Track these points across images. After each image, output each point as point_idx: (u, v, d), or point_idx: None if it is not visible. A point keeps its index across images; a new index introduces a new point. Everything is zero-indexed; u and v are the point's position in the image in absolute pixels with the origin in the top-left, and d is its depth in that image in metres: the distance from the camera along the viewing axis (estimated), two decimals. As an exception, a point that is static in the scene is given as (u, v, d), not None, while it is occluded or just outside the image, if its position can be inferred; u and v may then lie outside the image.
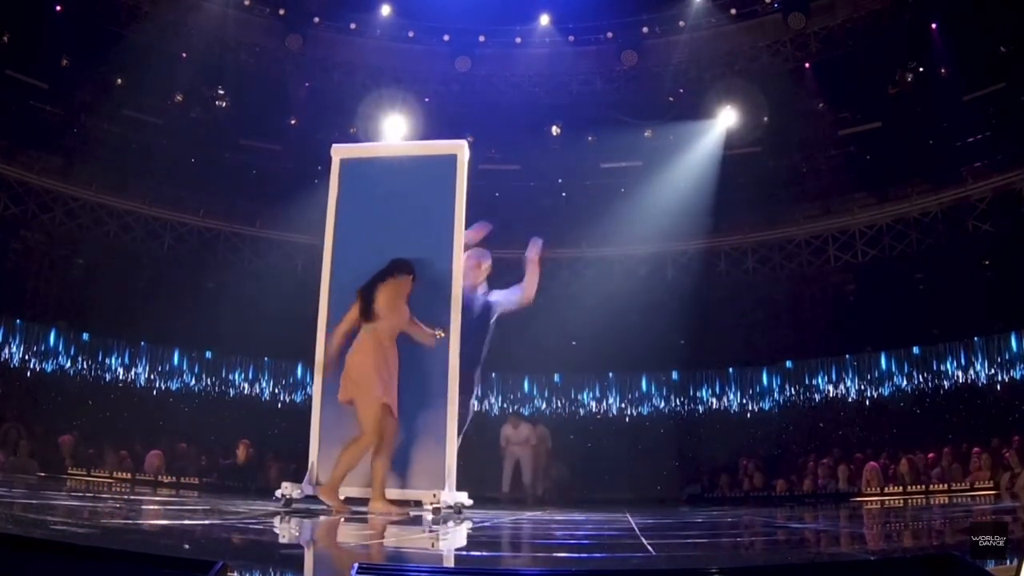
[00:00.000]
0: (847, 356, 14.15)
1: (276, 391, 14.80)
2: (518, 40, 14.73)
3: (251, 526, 4.30)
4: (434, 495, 5.14)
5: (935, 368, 13.31)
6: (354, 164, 5.94)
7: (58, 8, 13.30)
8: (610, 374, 15.18)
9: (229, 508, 5.77)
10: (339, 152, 6.02)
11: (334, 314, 5.55)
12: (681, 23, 14.28)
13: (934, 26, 13.25)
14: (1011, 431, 11.56)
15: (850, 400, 14.02)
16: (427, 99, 15.18)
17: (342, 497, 5.31)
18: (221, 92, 14.56)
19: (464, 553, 3.67)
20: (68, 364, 13.43)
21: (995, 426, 12.03)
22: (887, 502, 10.53)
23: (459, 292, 5.59)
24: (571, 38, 14.67)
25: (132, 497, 7.48)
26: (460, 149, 5.86)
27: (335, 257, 5.75)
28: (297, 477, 5.94)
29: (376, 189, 5.78)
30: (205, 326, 14.94)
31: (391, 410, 5.20)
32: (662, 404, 15.14)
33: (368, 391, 5.13)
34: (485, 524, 5.29)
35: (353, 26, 14.72)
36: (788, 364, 14.53)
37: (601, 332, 14.14)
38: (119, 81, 14.22)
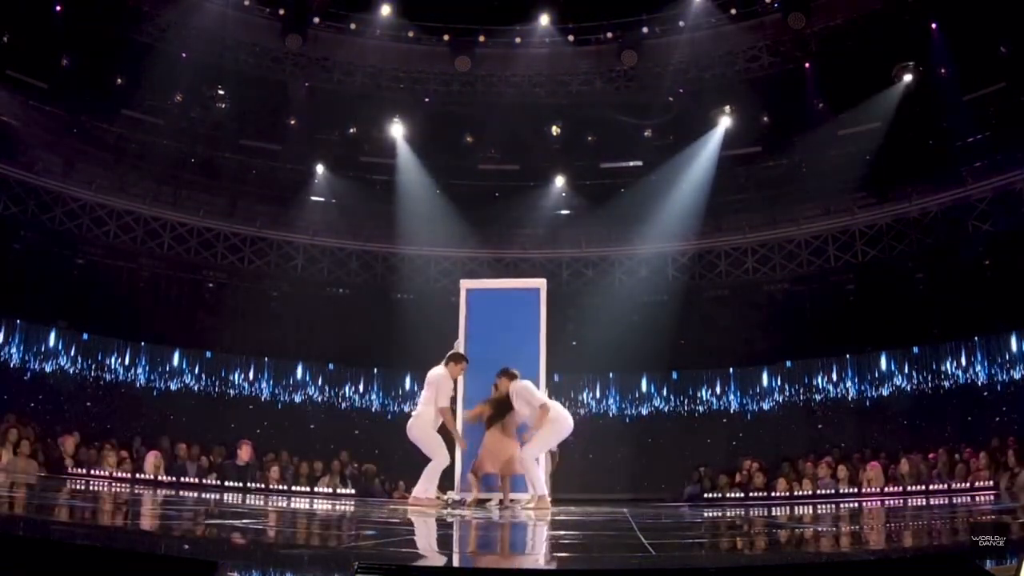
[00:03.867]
0: (847, 356, 14.15)
1: (276, 391, 14.80)
2: (518, 40, 14.70)
3: (251, 526, 4.29)
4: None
5: (935, 368, 13.30)
6: (474, 292, 8.88)
7: (58, 8, 13.28)
8: (610, 374, 15.17)
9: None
10: (465, 284, 9.10)
11: (469, 388, 8.64)
12: (681, 23, 14.25)
13: (934, 26, 13.24)
14: (1011, 431, 11.57)
15: (850, 400, 14.01)
16: (427, 99, 15.17)
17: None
18: (221, 92, 14.53)
19: (462, 552, 3.67)
20: (68, 364, 13.43)
21: (995, 426, 12.03)
22: (887, 502, 10.53)
23: (544, 365, 8.50)
24: (571, 38, 14.63)
25: (132, 497, 7.48)
26: (542, 284, 8.99)
27: (468, 350, 8.60)
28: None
29: (489, 309, 8.72)
30: (205, 326, 14.96)
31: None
32: (662, 404, 15.13)
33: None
34: (488, 521, 5.29)
35: (353, 26, 14.69)
36: (788, 364, 14.52)
37: (601, 332, 14.14)
38: (119, 81, 14.21)
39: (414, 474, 8.92)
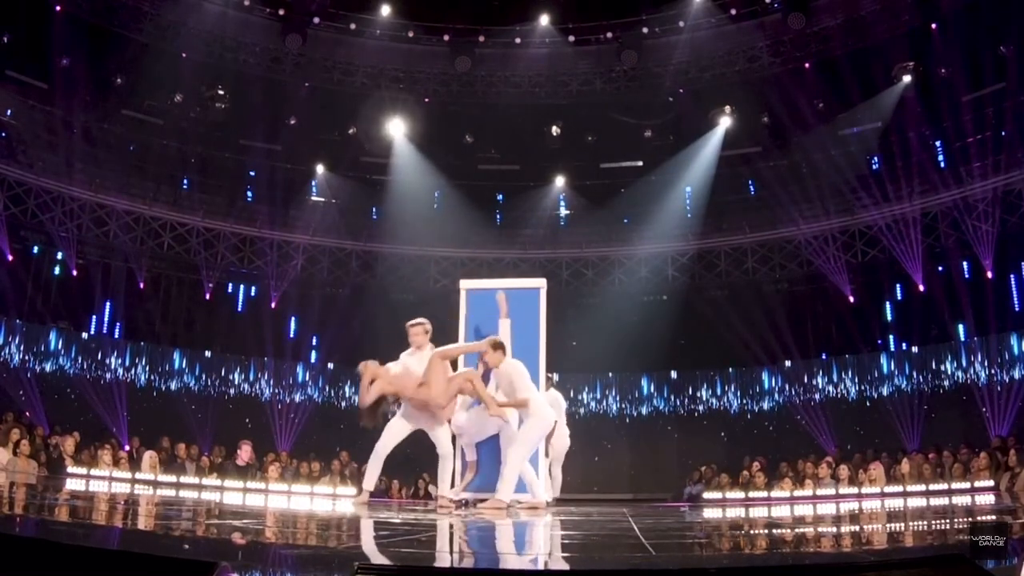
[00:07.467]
0: (847, 356, 14.15)
1: (276, 391, 14.80)
2: (518, 40, 14.72)
3: (251, 526, 4.29)
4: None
5: (935, 368, 13.31)
6: (474, 292, 8.65)
7: (58, 8, 13.29)
8: (610, 374, 15.18)
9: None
10: (465, 285, 8.81)
11: None
12: (681, 23, 14.27)
13: (934, 26, 13.25)
14: (1011, 431, 11.57)
15: (850, 400, 14.02)
16: (427, 99, 15.18)
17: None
18: (221, 92, 14.53)
19: (462, 552, 3.67)
20: (69, 364, 13.43)
21: (995, 426, 12.05)
22: (888, 502, 10.52)
23: (543, 365, 8.07)
24: (571, 38, 14.65)
25: (132, 498, 7.48)
26: (542, 284, 8.74)
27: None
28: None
29: (490, 309, 8.32)
30: (205, 326, 14.97)
31: None
32: (662, 404, 15.14)
33: None
34: (487, 522, 5.29)
35: (353, 26, 14.71)
36: (788, 364, 14.52)
37: (601, 332, 14.14)
38: (119, 81, 14.21)
39: (411, 473, 8.90)
